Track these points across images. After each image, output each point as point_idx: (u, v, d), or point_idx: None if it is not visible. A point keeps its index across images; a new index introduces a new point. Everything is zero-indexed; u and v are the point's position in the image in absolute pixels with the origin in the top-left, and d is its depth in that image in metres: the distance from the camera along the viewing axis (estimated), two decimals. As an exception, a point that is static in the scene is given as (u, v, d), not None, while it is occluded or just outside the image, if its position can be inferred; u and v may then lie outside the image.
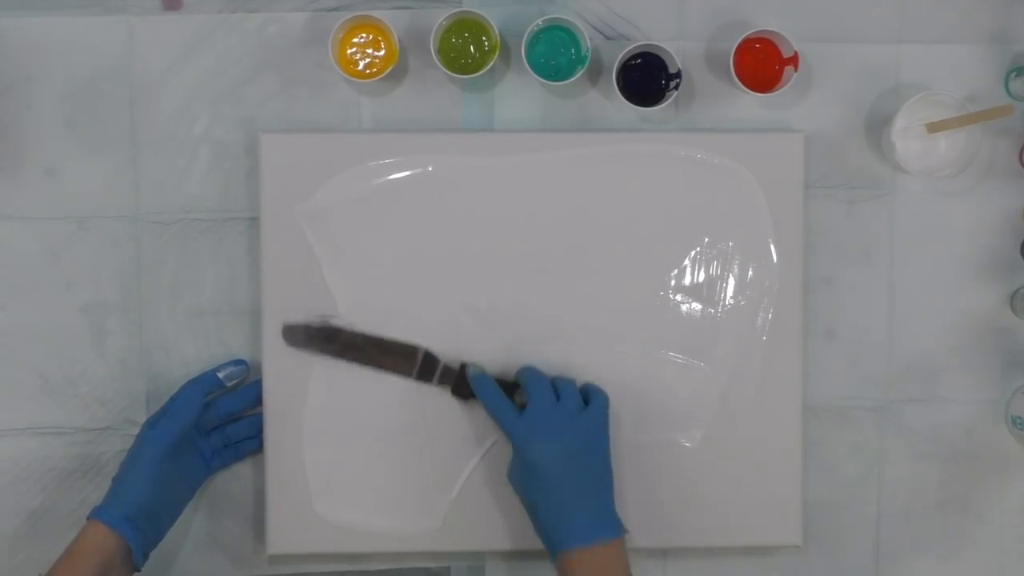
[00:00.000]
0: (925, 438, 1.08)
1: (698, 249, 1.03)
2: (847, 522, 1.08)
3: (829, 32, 1.05)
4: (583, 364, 1.02)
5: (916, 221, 1.07)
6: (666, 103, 1.02)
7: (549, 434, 0.94)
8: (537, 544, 0.95)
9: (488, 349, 1.02)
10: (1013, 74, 1.05)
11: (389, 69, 1.00)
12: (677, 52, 1.01)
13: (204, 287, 1.05)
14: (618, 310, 1.02)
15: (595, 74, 1.05)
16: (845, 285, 1.06)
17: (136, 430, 0.99)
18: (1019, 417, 1.05)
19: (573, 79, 1.01)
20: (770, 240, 1.03)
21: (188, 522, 1.04)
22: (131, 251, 1.05)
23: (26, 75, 1.04)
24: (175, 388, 1.00)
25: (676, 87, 1.02)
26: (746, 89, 1.00)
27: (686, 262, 1.03)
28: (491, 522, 1.03)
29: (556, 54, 1.02)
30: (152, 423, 0.98)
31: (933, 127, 1.01)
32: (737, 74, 1.00)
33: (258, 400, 1.03)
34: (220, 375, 1.02)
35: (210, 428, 1.02)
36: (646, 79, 1.03)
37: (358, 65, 1.02)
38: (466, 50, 1.02)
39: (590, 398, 0.98)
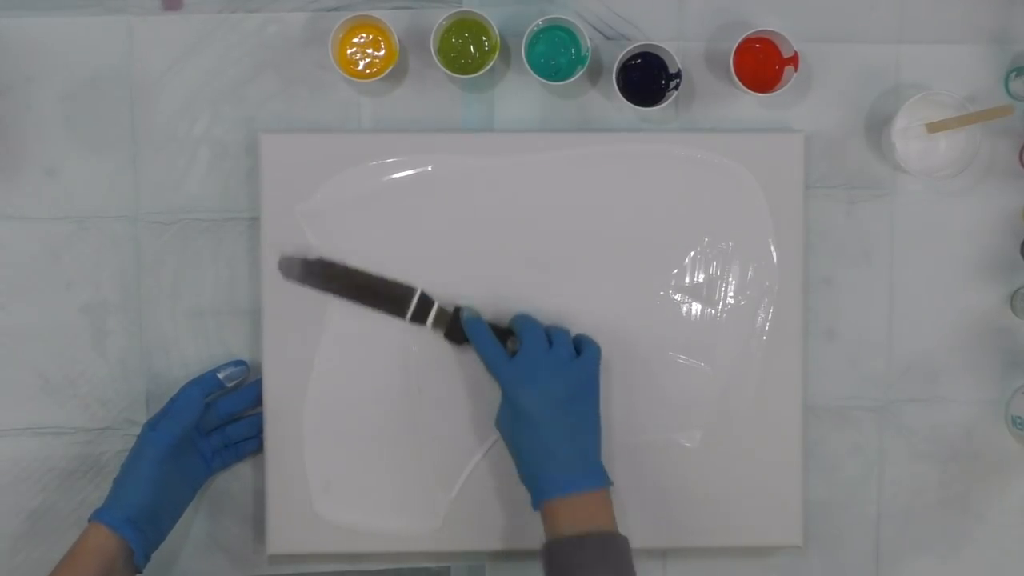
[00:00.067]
0: (925, 438, 1.08)
1: (698, 249, 1.03)
2: (847, 522, 1.08)
3: (829, 32, 1.05)
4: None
5: (916, 221, 1.07)
6: (666, 103, 1.02)
7: (539, 380, 0.94)
8: (537, 544, 0.95)
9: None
10: (1013, 74, 1.05)
11: (389, 69, 1.00)
12: (677, 52, 1.01)
13: (204, 287, 1.05)
14: (618, 310, 1.02)
15: (595, 74, 1.05)
16: (845, 285, 1.06)
17: (136, 430, 0.99)
18: (1019, 417, 1.05)
19: (573, 79, 1.01)
20: (770, 240, 1.03)
21: (188, 522, 1.04)
22: (131, 251, 1.05)
23: (26, 75, 1.04)
24: (175, 388, 1.00)
25: (676, 87, 1.02)
26: (746, 89, 1.00)
27: (686, 262, 1.03)
28: (491, 522, 1.03)
29: (556, 54, 1.02)
30: (153, 424, 0.98)
31: (933, 127, 1.01)
32: (737, 74, 1.00)
33: (258, 400, 1.03)
34: (220, 376, 1.02)
35: (210, 429, 1.02)
36: (646, 79, 1.03)
37: (358, 65, 1.02)
38: (466, 50, 1.02)
39: (582, 348, 0.98)
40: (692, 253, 1.03)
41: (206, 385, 1.01)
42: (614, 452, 1.02)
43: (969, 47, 1.06)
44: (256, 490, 1.05)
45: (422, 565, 1.06)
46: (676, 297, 1.04)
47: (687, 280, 1.03)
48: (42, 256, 1.05)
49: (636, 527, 1.00)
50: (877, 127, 1.06)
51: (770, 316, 1.04)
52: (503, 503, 1.03)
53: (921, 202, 1.07)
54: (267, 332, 1.02)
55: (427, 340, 1.02)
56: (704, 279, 1.03)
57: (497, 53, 1.01)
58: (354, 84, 1.04)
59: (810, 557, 1.07)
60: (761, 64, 1.02)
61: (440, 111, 1.05)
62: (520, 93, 1.05)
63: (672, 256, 1.03)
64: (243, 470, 1.05)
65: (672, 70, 1.02)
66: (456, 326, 1.00)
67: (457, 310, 1.01)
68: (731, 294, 1.04)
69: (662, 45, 1.01)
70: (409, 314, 1.01)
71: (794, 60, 1.00)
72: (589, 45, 1.01)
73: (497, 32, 1.01)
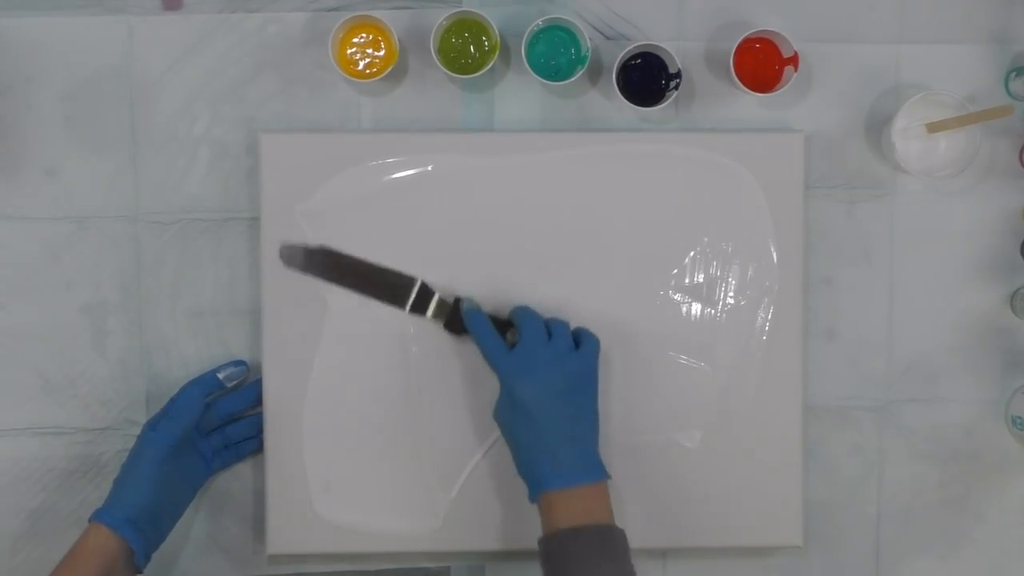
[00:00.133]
0: (925, 438, 1.08)
1: (698, 249, 1.03)
2: (847, 522, 1.08)
3: (829, 32, 1.05)
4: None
5: (916, 221, 1.06)
6: (666, 103, 1.02)
7: (537, 372, 0.94)
8: (537, 544, 0.95)
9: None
10: (1013, 74, 1.05)
11: (389, 69, 1.00)
12: (677, 52, 1.01)
13: (204, 287, 1.05)
14: (618, 310, 1.02)
15: (595, 74, 1.05)
16: (845, 285, 1.06)
17: (136, 430, 0.99)
18: (1019, 417, 1.05)
19: (573, 79, 1.01)
20: (770, 240, 1.03)
21: (188, 523, 1.04)
22: (131, 251, 1.05)
23: (26, 75, 1.04)
24: (175, 388, 1.00)
25: (676, 87, 1.02)
26: (746, 89, 1.00)
27: (686, 262, 1.03)
28: (491, 522, 1.03)
29: (556, 54, 1.02)
30: (153, 424, 0.98)
31: (933, 127, 1.01)
32: (737, 74, 1.00)
33: (258, 400, 1.03)
34: (220, 376, 1.02)
35: (210, 429, 1.02)
36: (646, 79, 1.03)
37: (358, 65, 1.02)
38: (466, 50, 1.02)
39: (581, 340, 0.97)
40: (692, 253, 1.03)
41: (206, 385, 1.01)
42: (614, 452, 1.02)
43: (969, 47, 1.06)
44: (256, 490, 1.05)
45: (422, 565, 1.06)
46: (676, 297, 1.04)
47: (687, 280, 1.03)
48: (42, 256, 1.05)
49: (636, 527, 1.00)
50: (877, 127, 1.06)
51: (770, 316, 1.04)
52: (503, 503, 1.03)
53: (921, 202, 1.07)
54: (267, 332, 1.02)
55: (427, 340, 1.02)
56: (704, 279, 1.03)
57: (497, 53, 1.01)
58: (354, 84, 1.04)
59: (810, 557, 1.07)
60: (761, 64, 1.02)
61: (440, 111, 1.05)
62: (520, 93, 1.05)
63: (672, 256, 1.03)
64: (243, 470, 1.05)
65: (672, 70, 1.02)
66: (456, 317, 1.00)
67: (457, 301, 1.01)
68: (731, 294, 1.04)
69: (662, 45, 1.01)
70: (409, 304, 1.01)
71: (794, 60, 1.00)
72: (589, 45, 1.01)
73: (497, 32, 1.01)
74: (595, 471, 0.93)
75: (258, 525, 1.05)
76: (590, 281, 1.02)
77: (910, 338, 1.07)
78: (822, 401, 1.07)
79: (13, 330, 1.05)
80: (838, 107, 1.06)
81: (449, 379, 1.03)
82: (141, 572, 0.94)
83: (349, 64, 1.02)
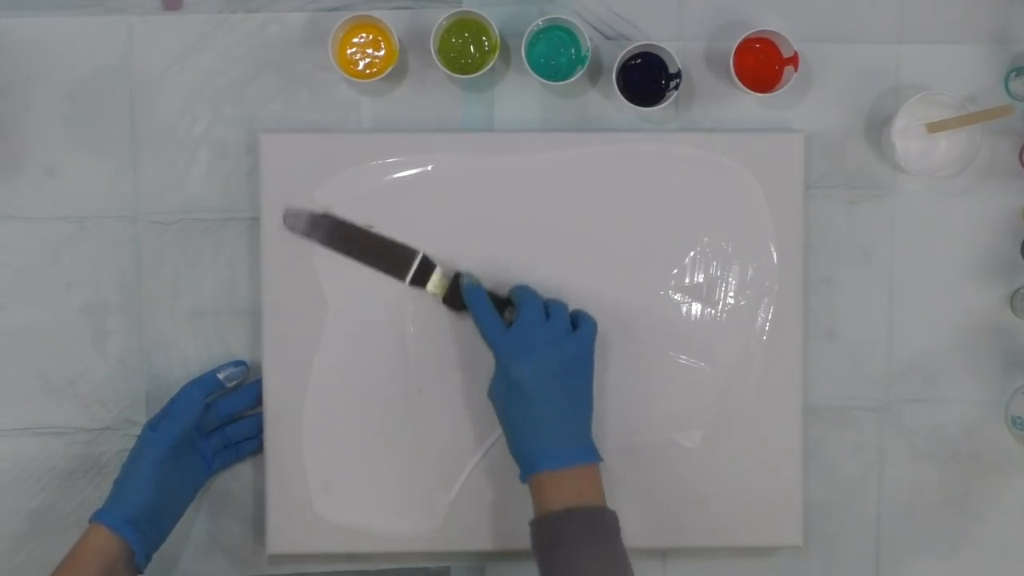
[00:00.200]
0: (925, 438, 1.08)
1: (698, 249, 1.03)
2: (847, 522, 1.08)
3: (829, 32, 1.05)
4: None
5: (916, 221, 1.06)
6: (666, 103, 1.02)
7: (534, 351, 0.93)
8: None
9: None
10: (1013, 74, 1.05)
11: (389, 69, 1.00)
12: (677, 52, 1.01)
13: (204, 287, 1.05)
14: (618, 310, 1.02)
15: (595, 74, 1.04)
16: (845, 285, 1.06)
17: (136, 430, 0.99)
18: (1019, 417, 1.05)
19: (573, 79, 1.01)
20: (770, 240, 1.03)
21: (189, 523, 1.04)
22: (131, 251, 1.05)
23: (26, 75, 1.04)
24: (175, 388, 1.00)
25: (676, 87, 1.02)
26: (746, 89, 1.00)
27: (686, 262, 1.03)
28: (491, 522, 1.03)
29: (556, 54, 1.02)
30: (153, 425, 0.98)
31: (933, 127, 1.01)
32: (737, 74, 1.00)
33: (258, 400, 1.03)
34: (220, 376, 1.02)
35: (210, 429, 1.02)
36: (646, 79, 1.03)
37: (358, 65, 1.02)
38: (466, 50, 1.02)
39: (579, 323, 0.97)
40: (692, 253, 1.03)
41: (206, 385, 1.01)
42: (613, 452, 1.01)
43: (969, 47, 1.06)
44: (256, 490, 1.05)
45: (422, 565, 1.06)
46: (676, 297, 1.04)
47: (687, 280, 1.03)
48: (42, 256, 1.05)
49: (636, 527, 1.01)
50: (877, 127, 1.06)
51: (770, 316, 1.04)
52: (503, 503, 1.03)
53: (921, 202, 1.07)
54: (267, 332, 1.02)
55: (427, 340, 1.02)
56: (704, 279, 1.03)
57: (497, 53, 1.01)
58: (354, 84, 1.04)
59: (810, 557, 1.07)
60: (761, 64, 1.02)
61: (440, 111, 1.05)
62: (520, 93, 1.05)
63: (672, 256, 1.03)
64: (243, 470, 1.05)
65: (672, 70, 1.02)
66: (455, 292, 1.00)
67: (457, 276, 1.01)
68: (731, 294, 1.04)
69: (662, 45, 1.01)
70: (409, 276, 1.01)
71: (794, 60, 1.00)
72: (589, 45, 1.01)
73: (497, 32, 1.01)
74: (588, 453, 0.93)
75: (258, 525, 1.05)
76: (590, 281, 1.02)
77: (910, 338, 1.07)
78: (822, 401, 1.07)
79: (13, 330, 1.05)
80: (838, 107, 1.06)
81: (449, 379, 1.03)
82: (142, 572, 0.94)
83: (349, 64, 1.02)
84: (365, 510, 1.03)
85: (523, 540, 1.00)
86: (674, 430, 1.04)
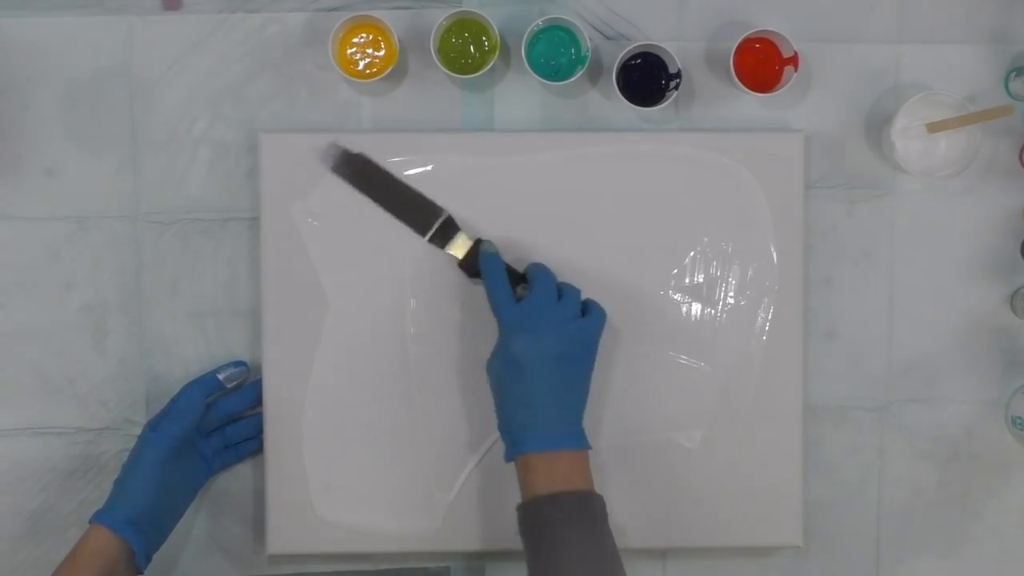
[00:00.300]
0: (925, 438, 1.08)
1: (698, 249, 1.03)
2: (847, 522, 1.08)
3: (829, 32, 1.05)
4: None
5: (916, 221, 1.06)
6: (666, 103, 1.02)
7: (539, 329, 0.93)
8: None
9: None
10: (1013, 74, 1.05)
11: (389, 69, 1.00)
12: (677, 52, 1.01)
13: (204, 287, 1.05)
14: (618, 310, 1.02)
15: (595, 74, 1.04)
16: (845, 285, 1.06)
17: (136, 430, 0.99)
18: (1019, 417, 1.05)
19: (573, 79, 1.01)
20: (770, 240, 1.03)
21: (189, 523, 1.04)
22: (131, 251, 1.05)
23: (26, 75, 1.04)
24: (175, 388, 1.00)
25: (676, 87, 1.02)
26: (746, 89, 1.00)
27: (686, 262, 1.03)
28: (491, 522, 1.03)
29: (556, 54, 1.02)
30: (153, 425, 0.98)
31: (933, 127, 1.01)
32: (737, 74, 1.00)
33: (258, 401, 1.03)
34: (220, 376, 1.02)
35: (211, 429, 1.02)
36: (646, 79, 1.03)
37: (358, 65, 1.02)
38: (466, 50, 1.02)
39: (589, 310, 0.96)
40: (692, 253, 1.03)
41: (206, 386, 1.01)
42: (614, 452, 1.02)
43: (969, 47, 1.06)
44: (256, 490, 1.05)
45: (422, 565, 1.06)
46: (676, 297, 1.04)
47: (687, 280, 1.03)
48: (42, 256, 1.05)
49: (636, 527, 1.01)
50: (877, 127, 1.06)
51: (770, 316, 1.04)
52: (502, 503, 1.02)
53: (921, 202, 1.07)
54: (267, 332, 1.02)
55: (427, 341, 1.02)
56: (704, 279, 1.03)
57: (497, 53, 1.01)
58: (354, 84, 1.04)
59: (810, 557, 1.07)
60: (761, 64, 1.02)
61: (440, 111, 1.05)
62: (520, 93, 1.05)
63: (672, 256, 1.03)
64: (243, 470, 1.05)
65: (672, 70, 1.02)
66: (472, 258, 1.00)
67: (478, 242, 1.01)
68: (731, 294, 1.04)
69: (662, 45, 1.01)
70: (430, 233, 1.01)
71: (794, 60, 1.00)
72: (589, 45, 1.01)
73: (497, 32, 1.01)
74: (577, 439, 0.93)
75: (258, 525, 1.05)
76: (590, 281, 1.02)
77: (910, 338, 1.07)
78: (822, 401, 1.07)
79: (13, 330, 1.05)
80: (838, 107, 1.06)
81: (449, 380, 1.03)
82: (142, 573, 0.94)
83: (349, 64, 1.02)
84: (365, 510, 1.03)
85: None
86: (674, 430, 1.04)
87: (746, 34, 1.00)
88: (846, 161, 1.06)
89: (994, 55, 1.06)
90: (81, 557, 0.92)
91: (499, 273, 0.97)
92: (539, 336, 0.92)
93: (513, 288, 0.97)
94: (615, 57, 1.02)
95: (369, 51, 1.02)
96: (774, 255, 1.03)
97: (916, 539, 1.08)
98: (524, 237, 1.02)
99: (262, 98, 1.04)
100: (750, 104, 1.05)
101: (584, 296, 0.98)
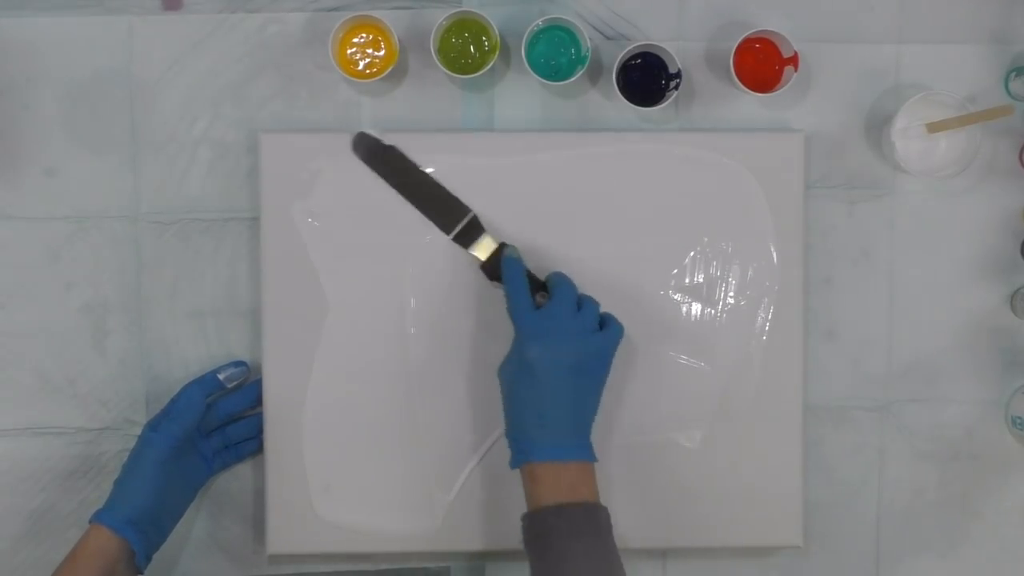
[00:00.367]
0: (925, 438, 1.08)
1: (698, 249, 1.03)
2: (847, 522, 1.08)
3: (829, 32, 1.05)
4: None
5: (916, 221, 1.07)
6: (666, 103, 1.02)
7: (554, 338, 0.92)
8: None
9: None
10: (1013, 74, 1.05)
11: (389, 69, 1.00)
12: (677, 52, 1.01)
13: (204, 287, 1.05)
14: (618, 310, 1.02)
15: (595, 74, 1.04)
16: (845, 285, 1.06)
17: (136, 430, 0.99)
18: (1019, 417, 1.05)
19: (573, 79, 1.01)
20: (770, 240, 1.03)
21: (189, 523, 1.04)
22: (131, 251, 1.05)
23: (26, 75, 1.04)
24: (175, 388, 1.00)
25: (676, 87, 1.02)
26: (746, 89, 1.00)
27: (686, 262, 1.03)
28: (491, 522, 1.03)
29: (556, 54, 1.02)
30: (153, 425, 0.98)
31: (933, 127, 1.01)
32: (737, 74, 1.00)
33: (258, 400, 1.03)
34: (220, 376, 1.02)
35: (211, 429, 1.02)
36: (646, 79, 1.03)
37: (358, 65, 1.02)
38: (466, 50, 1.02)
39: (607, 325, 0.96)
40: (692, 253, 1.03)
41: (207, 386, 1.01)
42: (614, 452, 1.02)
43: (969, 47, 1.06)
44: (256, 490, 1.05)
45: (422, 565, 1.06)
46: (676, 297, 1.04)
47: (687, 280, 1.03)
48: (42, 256, 1.05)
49: (636, 527, 1.01)
50: (877, 127, 1.06)
51: (770, 316, 1.04)
52: (502, 503, 1.03)
53: (921, 202, 1.07)
54: (267, 332, 1.02)
55: (427, 341, 1.02)
56: (704, 279, 1.03)
57: (497, 53, 1.01)
58: (354, 84, 1.04)
59: (810, 557, 1.07)
60: (761, 64, 1.02)
61: (440, 111, 1.05)
62: (520, 93, 1.05)
63: (672, 256, 1.03)
64: (243, 470, 1.05)
65: (672, 70, 1.02)
66: (495, 261, 1.00)
67: (502, 245, 1.00)
68: (731, 294, 1.04)
69: (662, 45, 1.01)
70: (455, 232, 1.01)
71: (794, 60, 1.00)
72: (589, 45, 1.01)
73: (497, 32, 1.01)
74: (584, 451, 0.93)
75: (258, 525, 1.05)
76: (590, 281, 1.02)
77: (910, 338, 1.07)
78: (822, 401, 1.07)
79: (13, 330, 1.05)
80: (838, 107, 1.06)
81: (449, 380, 1.03)
82: (142, 573, 0.94)
83: (349, 64, 1.02)
84: (365, 510, 1.03)
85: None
86: (674, 430, 1.04)
87: (746, 34, 1.00)
88: (846, 161, 1.06)
89: (994, 55, 1.06)
90: (81, 557, 0.92)
91: (520, 279, 0.97)
92: (555, 345, 0.92)
93: (532, 296, 0.97)
94: (615, 57, 1.02)
95: (369, 51, 1.02)
96: (774, 255, 1.03)
97: (916, 539, 1.08)
98: (524, 237, 1.02)
99: (262, 98, 1.04)
100: (750, 104, 1.05)
101: (582, 295, 0.98)
